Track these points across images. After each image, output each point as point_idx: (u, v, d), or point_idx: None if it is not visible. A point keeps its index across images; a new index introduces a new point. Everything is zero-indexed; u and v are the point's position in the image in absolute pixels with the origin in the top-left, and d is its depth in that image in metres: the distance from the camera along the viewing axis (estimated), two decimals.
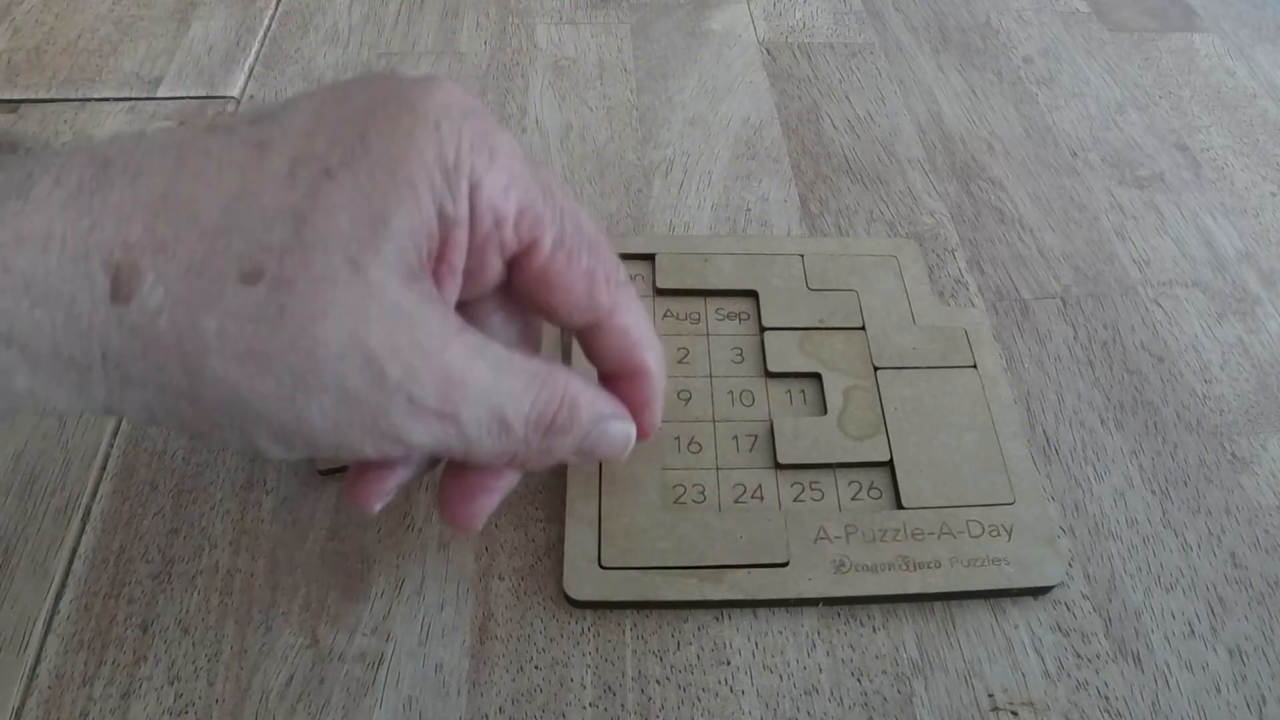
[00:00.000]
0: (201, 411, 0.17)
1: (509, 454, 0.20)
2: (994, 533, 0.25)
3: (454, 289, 0.19)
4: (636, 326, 0.22)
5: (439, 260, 0.18)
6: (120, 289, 0.16)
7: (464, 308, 0.21)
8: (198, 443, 0.27)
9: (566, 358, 0.29)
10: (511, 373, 0.19)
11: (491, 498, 0.22)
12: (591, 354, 0.23)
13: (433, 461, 0.22)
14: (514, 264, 0.20)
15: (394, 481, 0.21)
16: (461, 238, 0.18)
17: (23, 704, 0.22)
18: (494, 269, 0.20)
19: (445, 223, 0.18)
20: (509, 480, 0.22)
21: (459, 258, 0.19)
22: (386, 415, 0.17)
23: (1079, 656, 0.24)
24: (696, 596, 0.24)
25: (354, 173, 0.17)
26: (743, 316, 0.30)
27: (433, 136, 0.18)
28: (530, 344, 0.23)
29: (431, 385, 0.18)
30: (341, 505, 0.26)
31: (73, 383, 0.16)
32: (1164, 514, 0.27)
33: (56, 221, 0.16)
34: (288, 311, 0.16)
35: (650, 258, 0.31)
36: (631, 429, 0.23)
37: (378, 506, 0.21)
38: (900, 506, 0.26)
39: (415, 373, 0.17)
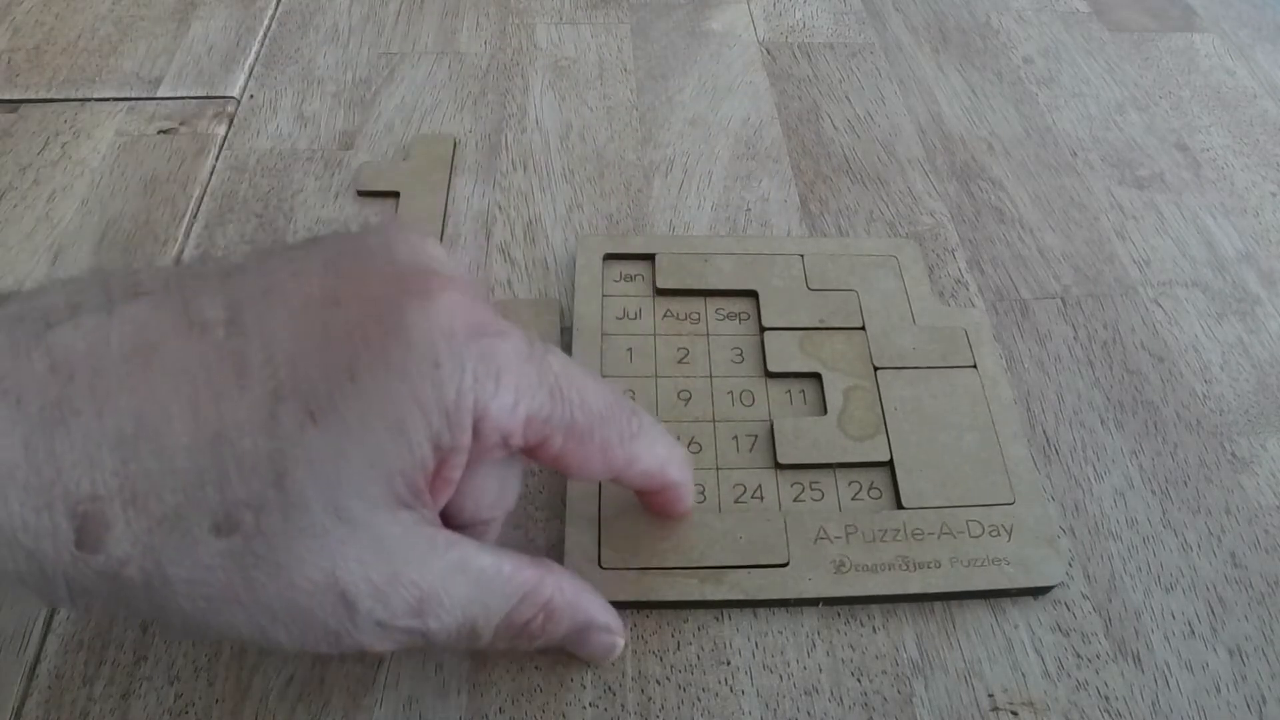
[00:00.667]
0: (168, 631, 0.18)
1: (473, 648, 0.20)
2: (994, 533, 0.25)
3: (446, 494, 0.18)
4: (656, 461, 0.22)
5: (434, 477, 0.18)
6: (87, 539, 0.15)
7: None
8: None
9: None
10: (493, 588, 0.19)
11: None
12: (620, 483, 0.23)
13: None
14: (528, 453, 0.20)
15: None
16: (460, 459, 0.18)
17: (23, 704, 0.22)
18: (500, 455, 0.19)
19: (442, 453, 0.17)
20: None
21: (456, 474, 0.18)
22: (353, 636, 0.17)
23: (1079, 656, 0.24)
24: (696, 596, 0.24)
25: (341, 417, 0.16)
26: (743, 316, 0.30)
27: (430, 376, 0.17)
28: (515, 486, 0.22)
29: (403, 608, 0.17)
30: None
31: (45, 600, 0.16)
32: (1164, 514, 0.27)
33: (19, 467, 0.15)
34: (263, 562, 0.16)
35: (650, 258, 0.31)
36: (618, 643, 0.23)
37: None
38: (900, 506, 0.26)
39: (388, 602, 0.17)
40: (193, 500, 0.15)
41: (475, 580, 0.18)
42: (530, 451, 0.20)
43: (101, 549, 0.15)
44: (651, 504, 0.24)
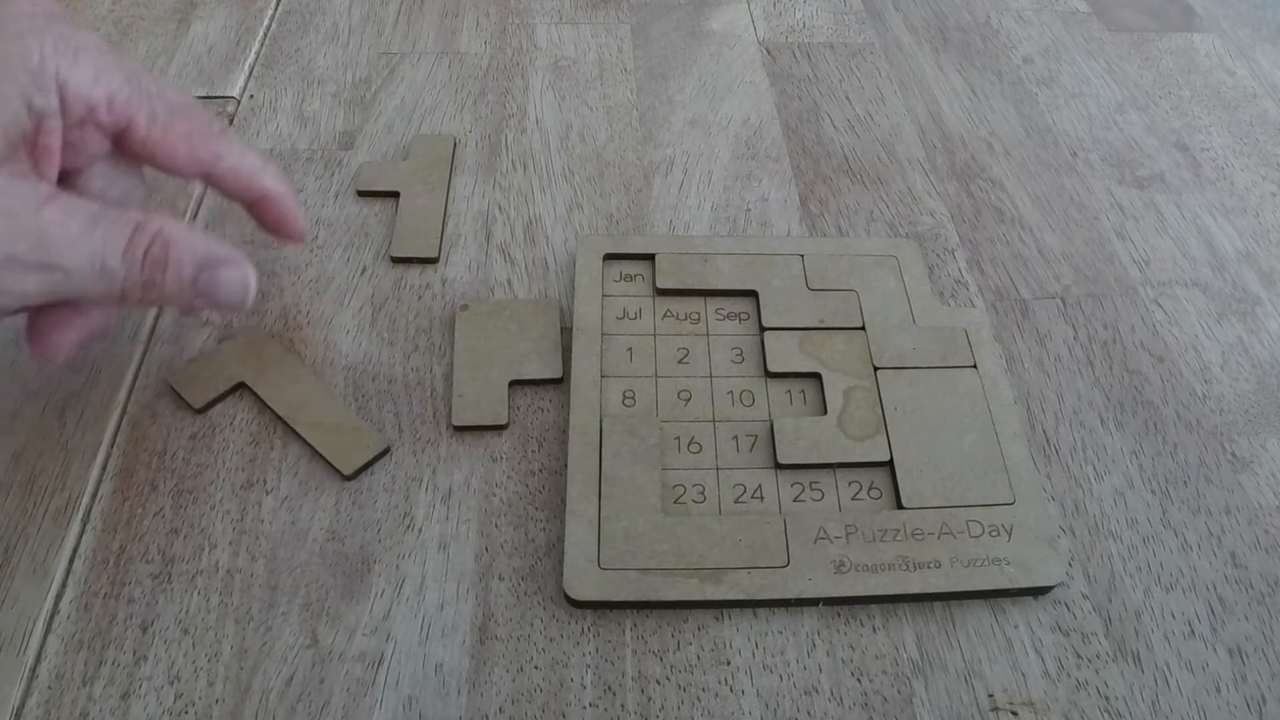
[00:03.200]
0: None
1: (118, 291, 0.23)
2: (994, 533, 0.25)
3: (51, 166, 0.23)
4: (243, 163, 0.26)
5: (34, 145, 0.22)
6: None
7: (70, 176, 0.24)
8: None
9: (567, 361, 0.29)
10: (104, 222, 0.22)
11: (73, 334, 0.24)
12: (227, 196, 0.26)
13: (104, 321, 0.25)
14: (119, 140, 0.24)
15: (73, 334, 0.24)
16: (54, 124, 0.22)
17: (23, 704, 0.22)
18: (98, 144, 0.24)
19: (35, 114, 0.22)
20: (95, 320, 0.25)
21: (54, 141, 0.22)
22: None
23: (1079, 656, 0.24)
24: (696, 596, 0.24)
25: None
26: (743, 316, 0.30)
27: (16, 46, 0.21)
28: (139, 196, 0.26)
29: (28, 244, 0.21)
30: (341, 505, 0.26)
31: None
32: (1164, 514, 0.27)
33: None
34: None
35: (650, 258, 0.31)
36: (250, 276, 0.25)
37: (62, 357, 0.24)
38: (900, 506, 0.26)
39: (9, 238, 0.20)
40: None
41: (88, 218, 0.22)
42: (121, 140, 0.24)
43: None
44: (265, 219, 0.27)
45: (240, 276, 0.25)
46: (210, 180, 0.26)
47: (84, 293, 0.22)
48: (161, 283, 0.23)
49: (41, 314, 0.24)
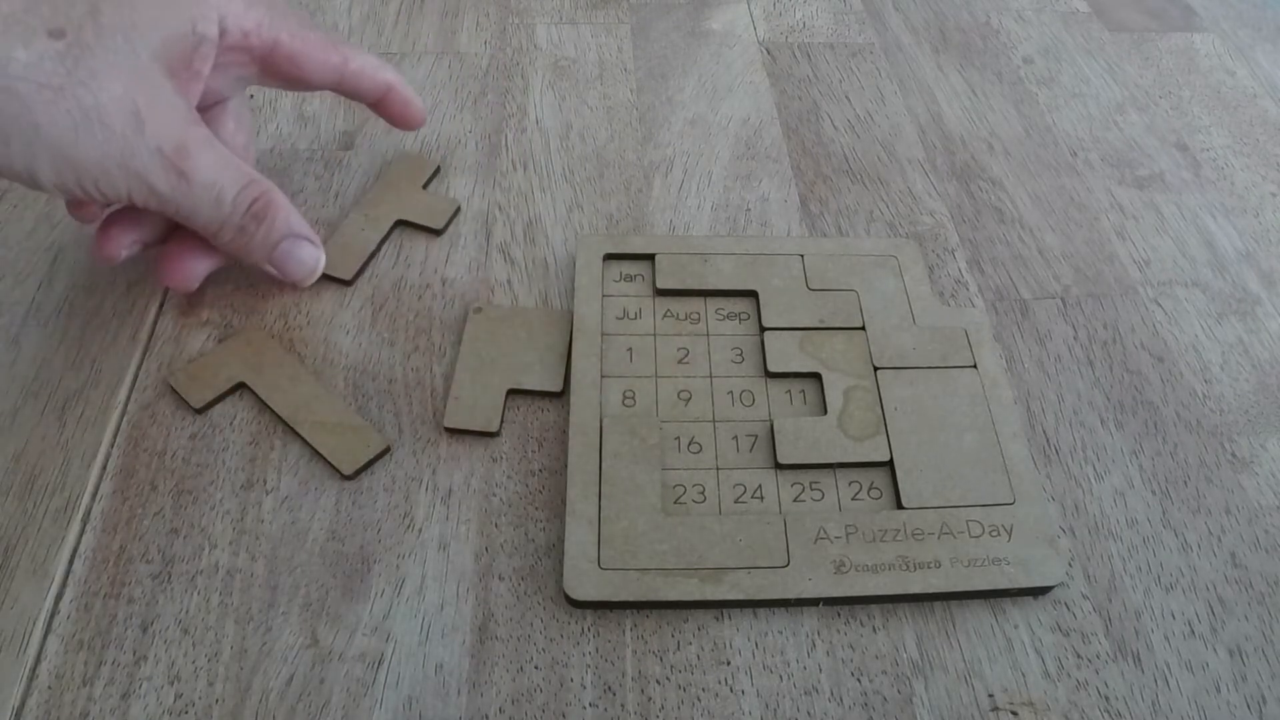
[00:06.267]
0: (3, 127, 0.22)
1: (219, 223, 0.26)
2: (994, 533, 0.25)
3: (197, 91, 0.26)
4: (369, 63, 0.30)
5: (188, 66, 0.25)
6: None
7: (204, 112, 0.28)
8: None
9: (567, 374, 0.29)
10: (230, 164, 0.26)
11: (205, 263, 0.29)
12: (354, 97, 0.30)
13: (162, 235, 0.29)
14: (267, 59, 0.28)
15: (135, 236, 0.28)
16: (208, 51, 0.26)
17: (23, 704, 0.22)
18: (243, 68, 0.28)
19: (197, 38, 0.25)
20: (218, 258, 0.29)
21: (205, 66, 0.26)
22: (139, 157, 0.24)
23: (1079, 656, 0.24)
24: (696, 597, 0.24)
25: None
26: (743, 316, 0.30)
27: None
28: (252, 154, 0.31)
29: (173, 146, 0.24)
30: (342, 505, 0.26)
31: None
32: (1164, 514, 0.27)
33: None
34: (81, 63, 0.22)
35: (650, 258, 0.31)
36: (320, 257, 0.29)
37: (122, 256, 0.28)
38: (900, 506, 0.26)
39: (164, 133, 0.24)
40: (32, 9, 0.22)
41: (219, 155, 0.26)
42: (270, 58, 0.28)
43: None
44: (390, 110, 0.31)
45: (314, 255, 0.29)
46: (341, 82, 0.29)
47: (193, 212, 0.26)
48: (253, 233, 0.27)
49: (182, 242, 0.28)
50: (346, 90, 0.30)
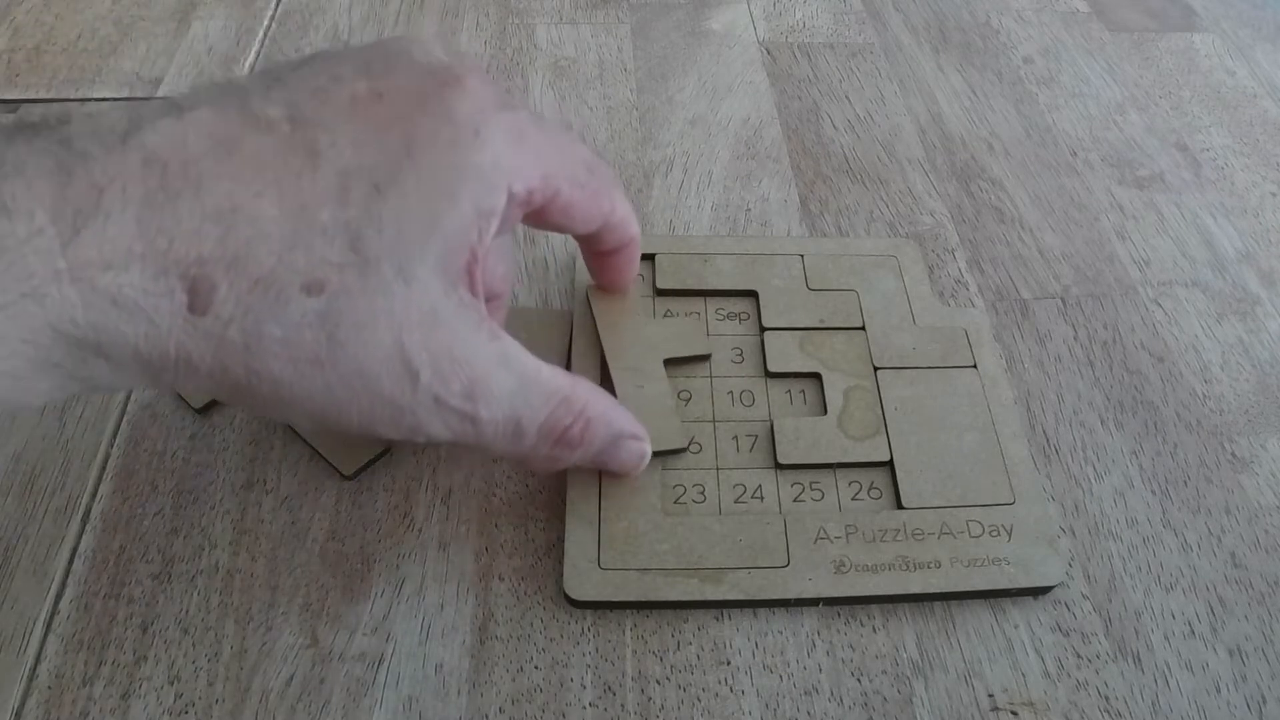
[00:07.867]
0: (254, 401, 0.19)
1: (519, 455, 0.22)
2: (994, 533, 0.25)
3: (480, 276, 0.20)
4: (627, 211, 0.25)
5: (475, 259, 0.20)
6: (197, 302, 0.17)
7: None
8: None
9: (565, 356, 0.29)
10: (535, 386, 0.21)
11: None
12: (593, 245, 0.26)
13: None
14: (540, 211, 0.22)
15: None
16: (493, 226, 0.20)
17: (23, 704, 0.22)
18: (517, 221, 0.22)
19: (482, 222, 0.19)
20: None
21: (489, 240, 0.20)
22: (414, 413, 0.19)
23: (1079, 656, 0.24)
24: (696, 597, 0.24)
25: (401, 188, 0.18)
26: (743, 316, 0.30)
27: (473, 144, 0.19)
28: (513, 271, 0.27)
29: (457, 389, 0.19)
30: (342, 505, 0.26)
31: (148, 376, 0.18)
32: (1164, 514, 0.27)
33: (136, 241, 0.16)
34: (345, 320, 0.18)
35: (650, 258, 0.31)
36: (647, 451, 0.25)
37: None
38: (900, 506, 0.26)
39: (445, 377, 0.19)
40: (284, 263, 0.17)
41: (519, 376, 0.21)
42: (544, 209, 0.22)
43: (209, 309, 0.17)
44: (609, 266, 0.27)
45: (639, 450, 0.25)
46: (601, 230, 0.24)
47: (482, 445, 0.21)
48: (566, 458, 0.23)
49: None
50: (599, 240, 0.25)
